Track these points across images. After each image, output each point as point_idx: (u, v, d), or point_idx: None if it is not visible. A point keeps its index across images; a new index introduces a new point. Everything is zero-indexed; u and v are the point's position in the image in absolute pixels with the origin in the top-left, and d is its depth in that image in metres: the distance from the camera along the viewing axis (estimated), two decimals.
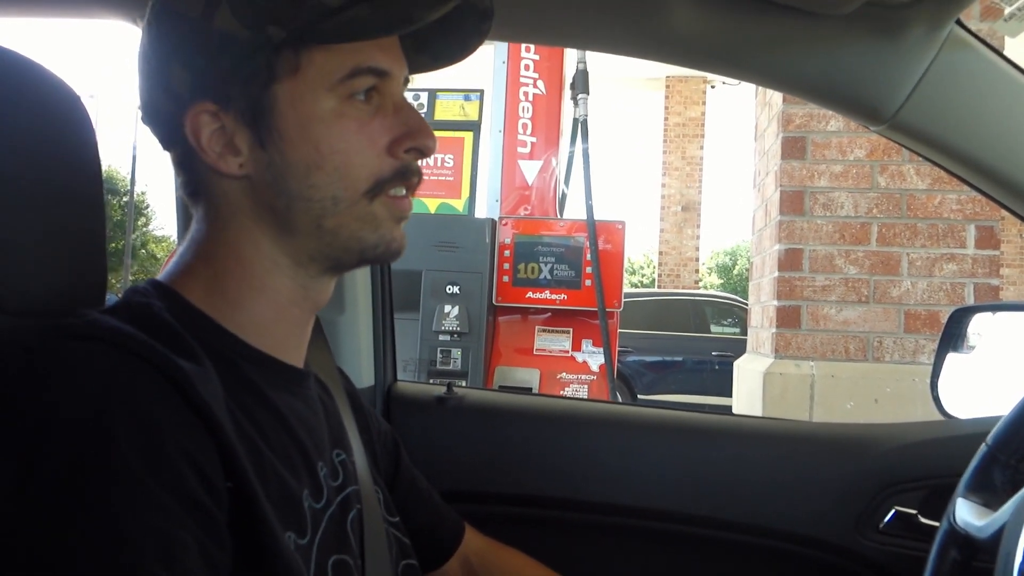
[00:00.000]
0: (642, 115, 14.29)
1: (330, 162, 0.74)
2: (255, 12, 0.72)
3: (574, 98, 4.73)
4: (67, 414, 0.59)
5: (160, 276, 0.80)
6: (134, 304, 0.74)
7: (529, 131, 5.22)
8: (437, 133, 0.81)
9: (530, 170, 5.20)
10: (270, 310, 0.78)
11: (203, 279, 0.77)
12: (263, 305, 0.78)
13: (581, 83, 4.68)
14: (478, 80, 5.19)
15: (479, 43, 0.84)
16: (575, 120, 4.76)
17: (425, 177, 0.83)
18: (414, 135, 0.78)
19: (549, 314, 4.29)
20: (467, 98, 5.38)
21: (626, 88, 12.58)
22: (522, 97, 5.26)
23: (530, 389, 4.01)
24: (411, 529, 0.97)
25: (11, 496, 0.56)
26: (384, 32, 0.73)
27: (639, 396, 8.89)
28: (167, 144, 0.79)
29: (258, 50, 0.72)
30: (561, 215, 4.81)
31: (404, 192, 0.80)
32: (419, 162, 0.80)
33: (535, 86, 5.23)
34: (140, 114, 0.80)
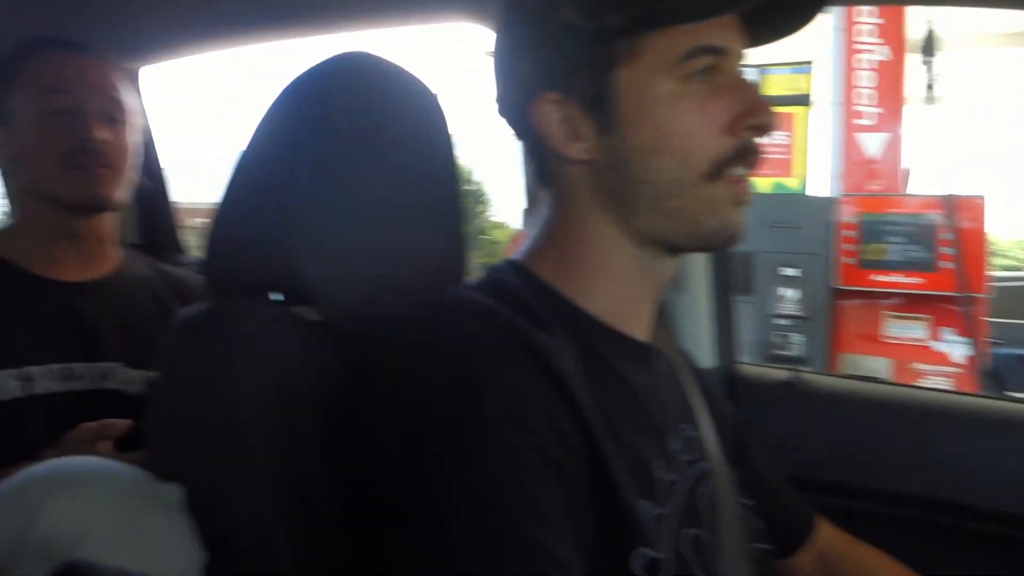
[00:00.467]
0: (1001, 76, 12.59)
1: (670, 145, 0.75)
2: (595, 3, 0.74)
3: (926, 61, 4.27)
4: (445, 378, 0.66)
5: (515, 256, 0.85)
6: (494, 281, 0.80)
7: (871, 101, 4.83)
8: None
9: (872, 143, 4.82)
10: (615, 288, 0.81)
11: (553, 259, 0.82)
12: (608, 283, 0.81)
13: (930, 44, 4.21)
14: (800, 51, 4.89)
15: (819, 10, 0.80)
16: (927, 85, 4.31)
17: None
18: (753, 112, 0.76)
19: (899, 299, 3.93)
20: (797, 71, 5.12)
21: (981, 46, 11.16)
22: (861, 64, 4.88)
23: (879, 378, 3.74)
24: (758, 515, 0.94)
25: (405, 444, 0.64)
26: (723, 11, 0.73)
27: (1012, 395, 7.85)
28: (519, 134, 0.84)
29: (598, 39, 0.75)
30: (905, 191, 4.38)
31: (745, 172, 0.78)
32: (760, 154, 0.78)
33: (876, 51, 4.82)
34: (496, 108, 0.86)
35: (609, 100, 0.75)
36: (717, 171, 0.75)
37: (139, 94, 1.42)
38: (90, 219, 1.34)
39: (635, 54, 0.74)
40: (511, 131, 0.86)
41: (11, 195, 1.37)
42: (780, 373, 1.48)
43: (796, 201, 4.61)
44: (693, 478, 0.81)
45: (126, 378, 1.33)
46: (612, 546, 0.67)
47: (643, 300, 0.84)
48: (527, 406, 0.65)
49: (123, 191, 1.35)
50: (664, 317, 1.00)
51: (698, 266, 1.53)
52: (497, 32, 0.83)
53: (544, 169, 0.83)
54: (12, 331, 1.25)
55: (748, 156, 0.77)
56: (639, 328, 0.84)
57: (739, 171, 0.77)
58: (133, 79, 1.43)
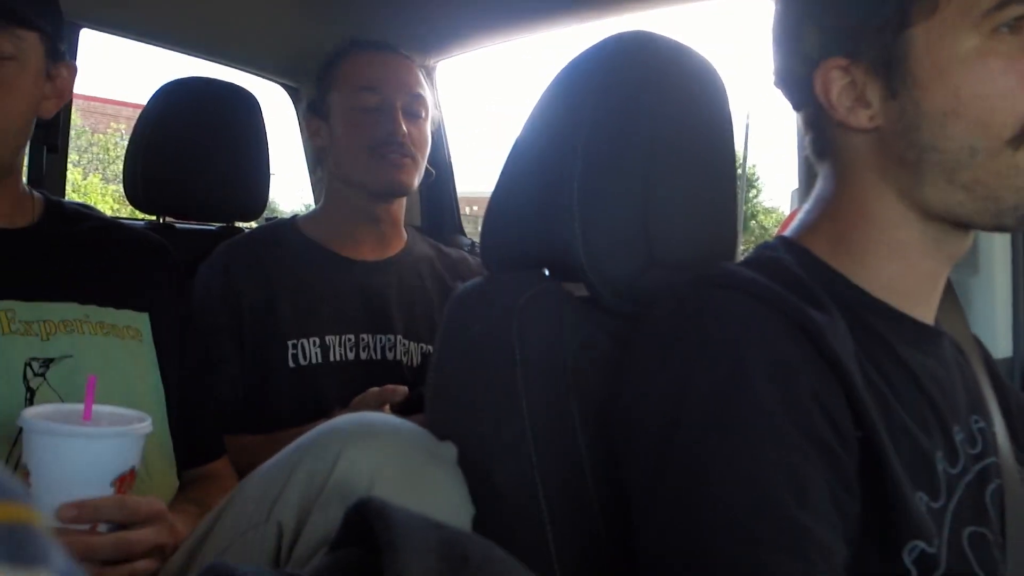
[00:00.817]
0: None
1: (970, 108, 0.68)
2: None
3: None
4: (711, 352, 0.66)
5: (788, 232, 0.83)
6: (764, 258, 0.78)
7: None
8: None
9: None
10: (898, 264, 0.76)
11: (828, 235, 0.78)
12: (890, 260, 0.76)
13: None
14: None
15: None
16: None
17: None
18: None
19: None
20: None
21: None
22: None
23: None
24: None
25: (668, 415, 0.65)
26: None
27: None
28: (798, 104, 0.81)
29: None
30: None
31: None
32: None
33: None
34: (774, 79, 0.83)
35: (901, 61, 0.70)
36: None
37: (435, 88, 1.55)
38: (388, 203, 1.49)
39: (935, 8, 0.69)
40: (790, 102, 0.83)
41: (323, 181, 1.55)
42: None
43: None
44: (979, 473, 0.74)
45: (406, 350, 1.46)
46: (883, 536, 0.64)
47: (929, 279, 0.78)
48: (795, 382, 0.63)
49: (418, 178, 1.48)
50: (955, 299, 0.92)
51: (998, 243, 1.39)
52: (779, 2, 0.80)
53: (824, 141, 0.79)
54: (316, 304, 1.41)
55: None
56: (924, 309, 0.78)
57: None
58: (430, 74, 1.57)
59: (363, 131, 1.43)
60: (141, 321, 1.06)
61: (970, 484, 0.73)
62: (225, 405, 1.34)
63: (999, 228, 0.73)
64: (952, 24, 0.68)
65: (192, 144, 1.55)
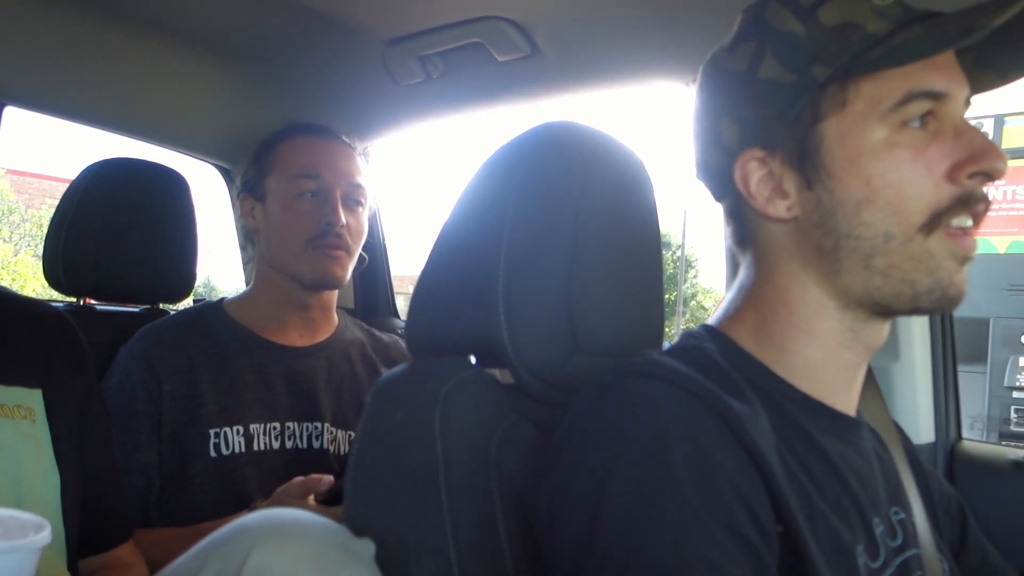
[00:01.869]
0: None
1: (882, 196, 0.70)
2: (799, 56, 0.72)
3: None
4: (633, 443, 0.65)
5: (711, 320, 0.84)
6: (689, 347, 0.78)
7: None
8: (1009, 162, 0.71)
9: None
10: (818, 353, 0.77)
11: (751, 323, 0.79)
12: (811, 348, 0.77)
13: None
14: None
15: None
16: None
17: (993, 213, 0.74)
18: (978, 158, 0.70)
19: None
20: None
21: None
22: None
23: None
24: None
25: (590, 506, 0.63)
26: (939, 49, 0.67)
27: None
28: (719, 195, 0.83)
29: (803, 92, 0.72)
30: None
31: (969, 223, 0.71)
32: (989, 201, 0.72)
33: None
34: (695, 171, 0.85)
35: (815, 153, 0.73)
36: (935, 222, 0.70)
37: (372, 173, 1.56)
38: (320, 293, 1.46)
39: (844, 103, 0.72)
40: (711, 193, 0.85)
41: (255, 261, 1.52)
42: (1012, 452, 1.33)
43: None
44: (900, 566, 0.74)
45: (333, 438, 1.42)
46: None
47: (849, 368, 0.79)
48: (716, 475, 0.63)
49: (351, 268, 1.46)
50: (875, 386, 0.94)
51: (917, 331, 1.43)
52: (697, 93, 0.82)
53: (745, 230, 0.81)
54: (241, 391, 1.37)
55: (973, 204, 0.70)
56: (843, 399, 0.79)
57: (962, 221, 0.71)
58: (367, 156, 1.57)
59: (301, 220, 1.40)
60: (34, 399, 1.00)
61: None
62: (140, 497, 1.28)
63: (916, 311, 0.74)
64: (861, 118, 0.71)
65: (116, 225, 1.52)
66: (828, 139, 0.72)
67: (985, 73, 0.77)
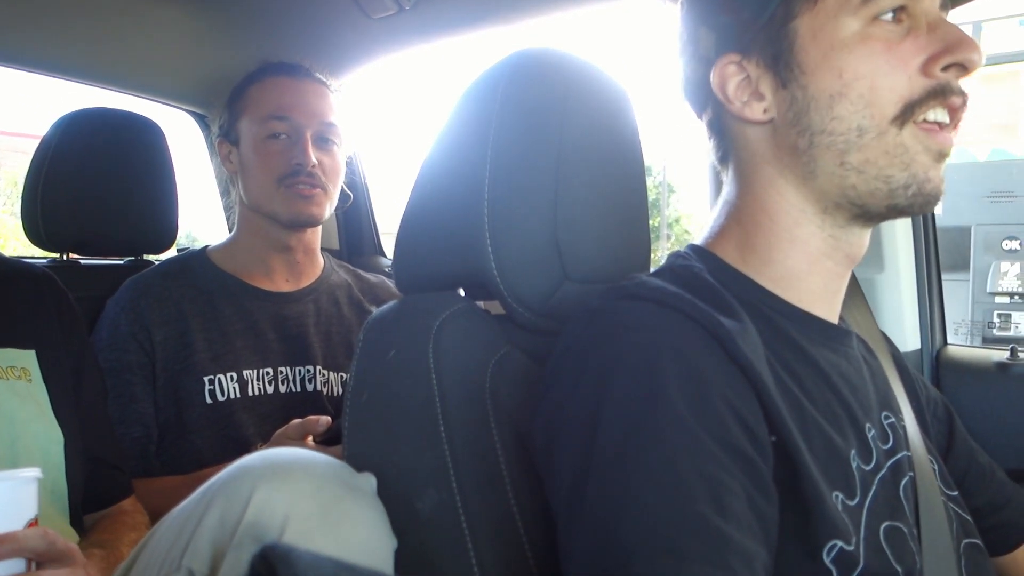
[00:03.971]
0: None
1: (854, 89, 0.70)
2: None
3: None
4: (625, 364, 0.65)
5: (697, 240, 0.84)
6: (677, 267, 0.79)
7: None
8: (985, 69, 0.71)
9: None
10: (802, 263, 0.77)
11: (735, 238, 0.80)
12: (794, 258, 0.77)
13: None
14: None
15: None
16: None
17: (971, 120, 0.74)
18: (953, 49, 0.70)
19: None
20: (1022, 23, 4.66)
21: None
22: None
23: None
24: (972, 508, 0.88)
25: (586, 427, 0.64)
26: None
27: None
28: (700, 108, 0.83)
29: None
30: None
31: (946, 118, 0.71)
32: (966, 96, 0.72)
33: None
34: (680, 90, 0.85)
35: (789, 51, 0.73)
36: (908, 114, 0.70)
37: (347, 110, 1.53)
38: (301, 232, 1.45)
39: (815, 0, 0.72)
40: (692, 109, 0.85)
41: (237, 207, 1.51)
42: (997, 354, 1.36)
43: (1017, 167, 4.20)
44: (892, 467, 0.76)
45: (326, 380, 1.44)
46: (802, 537, 0.64)
47: (833, 277, 0.79)
48: (708, 390, 0.64)
49: (330, 207, 1.45)
50: (861, 297, 0.95)
51: (901, 241, 1.44)
52: (678, 6, 0.82)
53: (726, 143, 0.81)
54: (231, 338, 1.37)
55: (948, 96, 0.70)
56: (827, 308, 0.80)
57: (938, 115, 0.71)
58: (346, 95, 1.54)
59: (271, 161, 1.40)
60: (28, 359, 1.00)
61: (884, 479, 0.74)
62: (139, 447, 1.30)
63: (893, 208, 0.74)
64: (833, 12, 0.71)
65: (93, 177, 1.50)
66: (801, 36, 0.73)
67: None
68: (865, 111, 0.70)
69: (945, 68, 0.70)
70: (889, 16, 0.71)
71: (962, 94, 0.71)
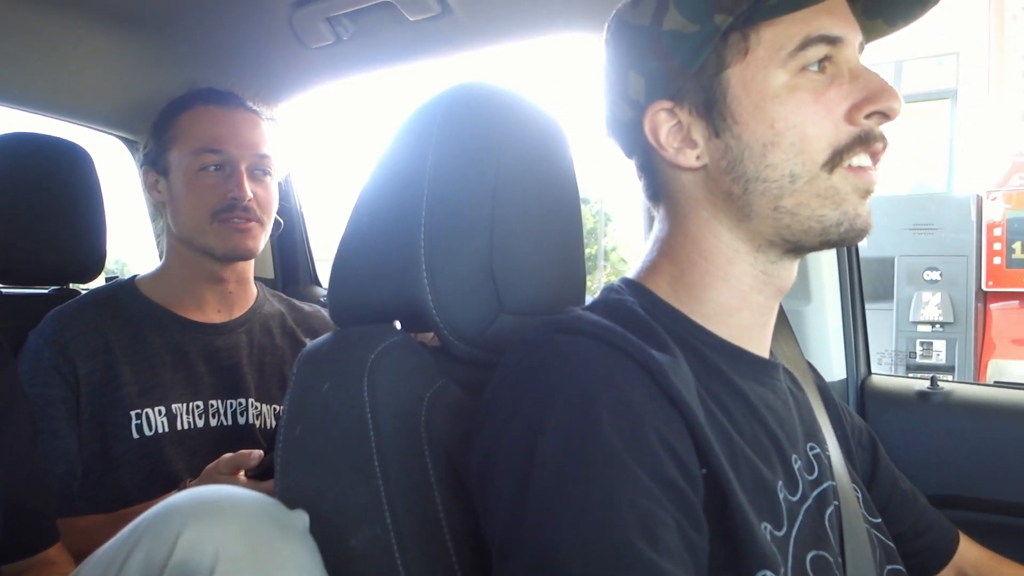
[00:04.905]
0: None
1: (786, 138, 0.73)
2: (700, 6, 0.74)
3: None
4: (560, 398, 0.66)
5: (630, 274, 0.85)
6: (610, 301, 0.80)
7: (1020, 90, 4.53)
8: (906, 106, 0.75)
9: (1022, 135, 4.52)
10: (733, 299, 0.79)
11: (668, 274, 0.81)
12: (726, 294, 0.79)
13: None
14: (954, 40, 4.64)
15: None
16: None
17: (893, 156, 0.77)
18: (875, 98, 0.73)
19: None
20: (939, 64, 4.86)
21: None
22: (1010, 53, 4.59)
23: None
24: (895, 534, 0.90)
25: (522, 461, 0.64)
26: None
27: None
28: (629, 151, 0.85)
29: (706, 41, 0.74)
30: None
31: (869, 163, 0.75)
32: (887, 140, 0.75)
33: None
34: (605, 128, 0.86)
35: (721, 101, 0.75)
36: (837, 159, 0.73)
37: (281, 139, 1.51)
38: (234, 265, 1.43)
39: (746, 51, 0.74)
40: (621, 150, 0.86)
41: (166, 236, 1.47)
42: (917, 383, 1.40)
43: (937, 201, 4.36)
44: (817, 498, 0.78)
45: (259, 413, 1.41)
46: (732, 568, 0.66)
47: (762, 311, 0.82)
48: (641, 424, 0.64)
49: (264, 239, 1.43)
50: (788, 328, 0.97)
51: (827, 273, 1.48)
52: (604, 49, 0.83)
53: (657, 183, 0.82)
54: (160, 371, 1.34)
55: (871, 143, 0.74)
56: (758, 341, 0.82)
57: (861, 160, 0.74)
58: (278, 122, 1.51)
59: (204, 195, 1.36)
60: None
61: (809, 510, 0.76)
62: (62, 484, 1.25)
63: (826, 244, 0.77)
64: (763, 64, 0.73)
65: (16, 203, 1.45)
66: (733, 86, 0.74)
67: (875, 22, 0.80)
68: (797, 158, 0.73)
69: (868, 115, 0.73)
70: (815, 66, 0.73)
71: (883, 140, 0.75)
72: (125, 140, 1.94)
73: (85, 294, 1.47)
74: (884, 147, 0.75)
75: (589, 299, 0.86)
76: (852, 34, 0.75)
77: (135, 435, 1.28)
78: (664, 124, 0.78)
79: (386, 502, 0.75)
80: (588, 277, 0.98)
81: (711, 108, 0.75)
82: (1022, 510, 1.25)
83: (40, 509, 1.06)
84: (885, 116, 0.74)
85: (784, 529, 0.71)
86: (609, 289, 0.83)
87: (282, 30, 1.55)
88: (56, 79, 1.69)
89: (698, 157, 0.77)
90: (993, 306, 3.90)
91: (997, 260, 3.79)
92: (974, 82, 4.83)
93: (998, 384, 1.41)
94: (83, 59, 1.67)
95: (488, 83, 0.89)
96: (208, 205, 1.36)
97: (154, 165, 1.43)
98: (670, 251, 0.82)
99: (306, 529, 0.75)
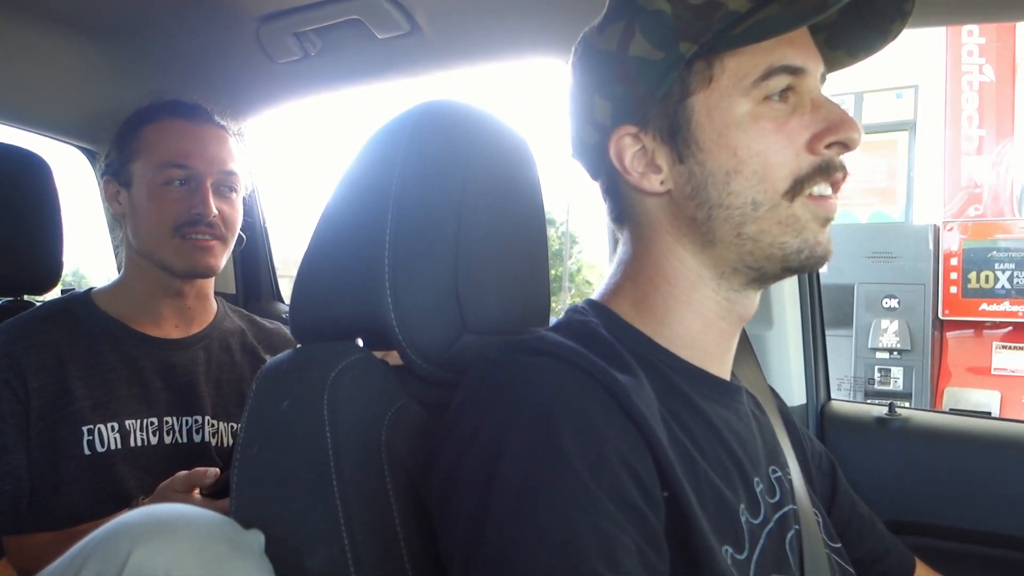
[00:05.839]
0: None
1: (748, 166, 0.74)
2: (666, 34, 0.75)
3: None
4: (522, 419, 0.66)
5: (595, 295, 0.85)
6: (574, 322, 0.80)
7: (975, 124, 4.65)
8: (866, 137, 0.76)
9: (978, 167, 4.63)
10: (696, 323, 0.80)
11: (632, 297, 0.81)
12: (689, 319, 0.79)
13: None
14: (913, 74, 4.75)
15: (900, 29, 0.78)
16: None
17: (854, 185, 0.78)
18: (835, 128, 0.74)
19: (1011, 328, 3.74)
20: (899, 96, 4.97)
21: None
22: (965, 87, 4.71)
23: (988, 413, 3.55)
24: (853, 559, 0.91)
25: (483, 481, 0.64)
26: (796, 23, 0.71)
27: None
28: (594, 173, 0.85)
29: (671, 68, 0.75)
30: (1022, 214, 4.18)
31: (829, 192, 0.76)
32: (847, 170, 0.76)
33: (981, 72, 4.66)
34: (571, 150, 0.86)
35: (685, 127, 0.76)
36: (798, 188, 0.74)
37: (246, 154, 1.48)
38: (194, 281, 1.40)
39: (710, 79, 0.74)
40: (586, 172, 0.86)
41: (125, 249, 1.43)
42: (876, 409, 1.42)
43: (896, 230, 4.45)
44: (779, 521, 0.78)
45: (215, 430, 1.38)
46: None
47: (725, 336, 0.82)
48: (603, 446, 0.64)
49: (226, 256, 1.40)
50: (751, 353, 0.98)
51: (788, 300, 1.50)
52: (570, 73, 0.84)
53: (621, 207, 0.83)
54: (114, 386, 1.30)
55: (832, 172, 0.75)
56: (720, 365, 0.82)
57: (822, 189, 0.75)
58: (241, 138, 1.49)
59: (167, 208, 1.33)
60: None
61: (771, 533, 0.76)
62: (9, 501, 1.21)
63: (787, 271, 0.78)
64: (727, 92, 0.74)
65: None
66: (697, 114, 0.75)
67: (837, 53, 0.82)
68: (759, 186, 0.74)
69: (829, 145, 0.74)
70: (777, 96, 0.74)
71: (843, 169, 0.76)
72: (84, 150, 1.91)
73: (39, 306, 1.43)
74: (844, 176, 0.76)
75: (553, 320, 0.86)
76: (814, 64, 0.76)
77: (87, 451, 1.25)
78: (629, 149, 0.78)
79: (344, 523, 0.73)
80: (553, 298, 0.98)
81: (675, 134, 0.76)
82: (976, 537, 1.26)
83: None
84: (845, 146, 0.75)
85: (745, 552, 0.71)
86: (573, 310, 0.83)
87: (249, 44, 1.54)
88: (15, 87, 1.66)
89: (662, 182, 0.78)
90: (949, 334, 3.97)
91: (953, 289, 3.87)
92: (932, 114, 4.94)
93: (954, 411, 1.43)
94: (44, 67, 1.64)
95: (456, 102, 0.89)
96: (170, 219, 1.33)
97: (116, 176, 1.39)
98: (634, 274, 0.82)
99: (261, 549, 0.74)
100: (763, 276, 0.79)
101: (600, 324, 0.78)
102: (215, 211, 1.33)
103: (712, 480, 0.72)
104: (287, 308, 1.90)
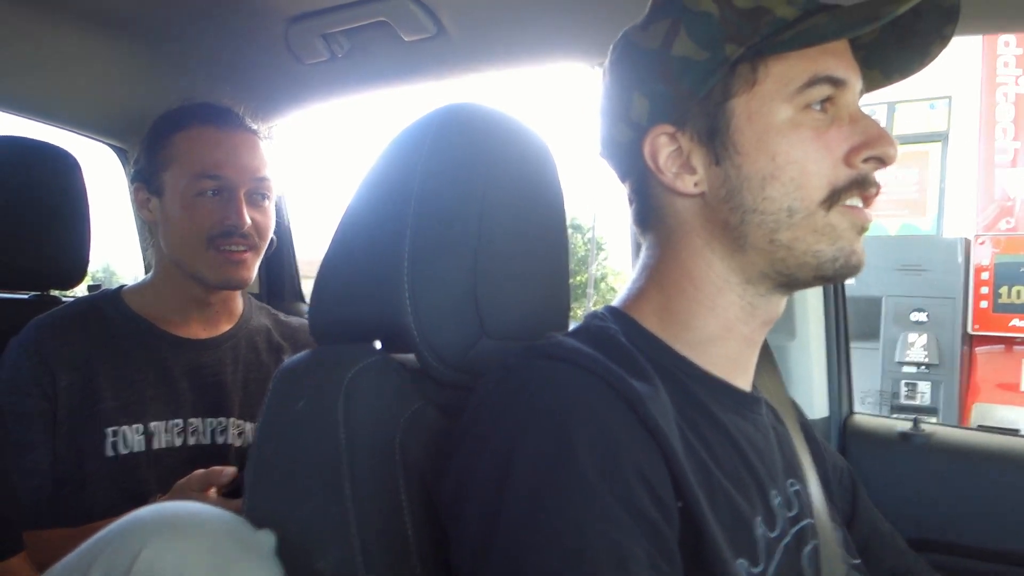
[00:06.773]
0: None
1: (786, 172, 0.73)
2: (713, 35, 0.74)
3: None
4: (536, 425, 0.65)
5: (615, 302, 0.85)
6: (593, 328, 0.79)
7: (1010, 135, 4.58)
8: (899, 147, 0.75)
9: (1012, 179, 4.56)
10: (718, 328, 0.79)
11: (655, 302, 0.81)
12: (712, 323, 0.79)
13: None
14: (946, 84, 4.69)
15: (938, 52, 0.79)
16: None
17: (883, 197, 0.78)
18: (873, 143, 0.74)
19: None
20: (932, 107, 4.91)
21: None
22: (1000, 99, 4.64)
23: (1017, 431, 3.48)
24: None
25: (495, 485, 0.64)
26: (845, 32, 0.71)
27: None
28: (624, 174, 0.84)
29: (715, 69, 0.75)
30: None
31: (862, 205, 0.76)
32: (880, 186, 0.76)
33: (1016, 84, 4.59)
34: (600, 149, 0.86)
35: (724, 129, 0.75)
36: (834, 198, 0.73)
37: (276, 157, 1.47)
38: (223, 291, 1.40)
39: (754, 82, 0.74)
40: (615, 172, 0.86)
41: (155, 252, 1.43)
42: (900, 424, 1.40)
43: (927, 243, 4.40)
44: (796, 535, 0.77)
45: (240, 431, 1.38)
46: None
47: (747, 343, 0.81)
48: (617, 454, 0.64)
49: (258, 265, 1.39)
50: (773, 364, 0.96)
51: (812, 310, 1.48)
52: (608, 70, 0.83)
53: (651, 208, 0.82)
54: (140, 387, 1.31)
55: (865, 187, 0.75)
56: (741, 374, 0.82)
57: (855, 202, 0.75)
58: (270, 139, 1.48)
59: (201, 218, 1.32)
60: None
61: (788, 547, 0.75)
62: (32, 496, 1.22)
63: (819, 279, 0.77)
64: (769, 97, 0.74)
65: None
66: (737, 116, 0.75)
67: (872, 72, 0.81)
68: (796, 193, 0.73)
69: (865, 160, 0.74)
70: (818, 106, 0.74)
71: (877, 185, 0.76)
72: (115, 148, 1.94)
73: (70, 303, 1.44)
74: (876, 192, 0.76)
75: (573, 325, 0.85)
76: (855, 79, 0.76)
77: (109, 452, 1.26)
78: (664, 148, 0.78)
79: (355, 525, 0.73)
80: (577, 305, 0.97)
81: (714, 136, 0.76)
82: (1001, 557, 1.24)
83: (7, 516, 1.04)
84: (881, 162, 0.75)
85: (761, 566, 0.70)
86: (592, 316, 0.83)
87: (277, 45, 1.55)
88: (48, 84, 1.69)
89: (696, 184, 0.77)
90: (979, 349, 3.91)
91: (984, 304, 3.81)
92: (965, 126, 4.88)
93: (981, 428, 1.40)
94: (76, 66, 1.66)
95: (480, 105, 0.89)
96: (203, 230, 1.32)
97: (147, 184, 1.38)
98: (659, 277, 0.81)
99: (272, 550, 0.74)
100: (792, 282, 0.78)
101: (619, 331, 0.78)
102: (248, 221, 1.33)
103: (728, 491, 0.71)
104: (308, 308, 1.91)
